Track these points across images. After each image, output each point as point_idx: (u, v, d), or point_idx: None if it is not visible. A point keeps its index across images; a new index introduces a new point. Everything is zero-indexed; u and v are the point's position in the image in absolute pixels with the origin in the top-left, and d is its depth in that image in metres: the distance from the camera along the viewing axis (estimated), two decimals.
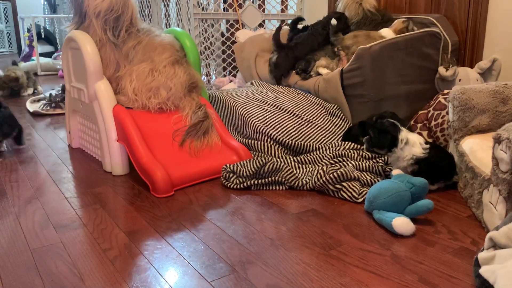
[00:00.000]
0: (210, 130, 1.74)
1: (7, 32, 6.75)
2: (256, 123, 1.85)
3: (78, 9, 1.78)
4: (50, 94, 2.93)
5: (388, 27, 2.13)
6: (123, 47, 1.76)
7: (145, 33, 1.80)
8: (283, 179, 1.54)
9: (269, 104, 1.98)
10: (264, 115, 1.89)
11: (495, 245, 0.97)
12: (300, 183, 1.53)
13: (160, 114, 1.77)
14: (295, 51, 2.25)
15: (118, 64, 1.77)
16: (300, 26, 2.39)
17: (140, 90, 1.73)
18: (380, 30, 2.14)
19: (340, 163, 1.63)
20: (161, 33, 1.87)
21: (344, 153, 1.69)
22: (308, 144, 1.79)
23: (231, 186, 1.56)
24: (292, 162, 1.64)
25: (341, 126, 1.96)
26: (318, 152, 1.75)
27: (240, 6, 2.94)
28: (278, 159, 1.64)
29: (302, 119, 1.93)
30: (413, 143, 1.46)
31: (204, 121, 1.74)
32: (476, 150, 1.38)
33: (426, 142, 1.48)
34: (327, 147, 1.77)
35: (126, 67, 1.76)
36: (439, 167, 1.48)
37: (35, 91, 3.49)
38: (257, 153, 1.78)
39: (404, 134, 1.47)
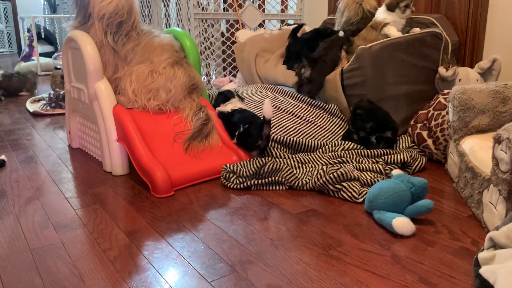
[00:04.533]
0: (212, 132, 1.74)
1: (7, 32, 6.75)
2: None
3: (83, 10, 1.77)
4: (50, 94, 2.93)
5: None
6: (122, 50, 1.75)
7: (144, 35, 1.79)
8: (283, 179, 1.54)
9: None
10: None
11: (495, 245, 0.97)
12: (300, 183, 1.53)
13: (160, 114, 1.77)
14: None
15: (117, 66, 1.77)
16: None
17: (140, 92, 1.73)
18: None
19: (340, 163, 1.63)
20: (160, 33, 1.86)
21: (344, 153, 1.69)
22: (308, 141, 1.78)
23: (231, 186, 1.56)
24: (292, 162, 1.64)
25: (341, 126, 1.96)
26: (318, 152, 1.75)
27: (240, 6, 2.94)
28: (278, 159, 1.64)
29: (301, 119, 1.93)
30: (229, 103, 1.85)
31: (208, 124, 1.74)
32: (476, 150, 1.38)
33: (239, 107, 1.82)
34: (327, 146, 1.77)
35: (125, 69, 1.76)
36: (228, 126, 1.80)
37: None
38: None
39: (234, 100, 1.87)
